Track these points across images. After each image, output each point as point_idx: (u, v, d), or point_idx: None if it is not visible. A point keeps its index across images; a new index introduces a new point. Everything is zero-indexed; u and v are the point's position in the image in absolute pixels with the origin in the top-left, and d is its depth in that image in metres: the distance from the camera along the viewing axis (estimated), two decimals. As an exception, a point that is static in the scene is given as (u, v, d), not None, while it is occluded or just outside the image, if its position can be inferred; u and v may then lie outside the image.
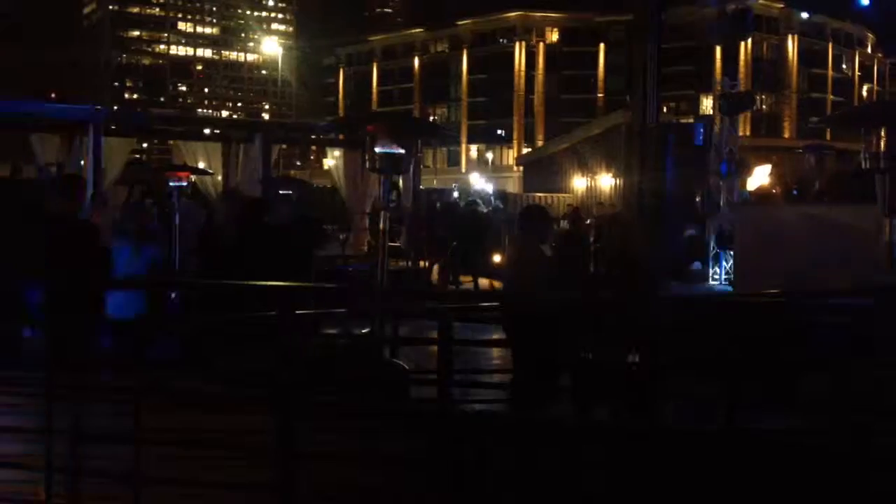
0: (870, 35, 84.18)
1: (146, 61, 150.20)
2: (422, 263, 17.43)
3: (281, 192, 14.85)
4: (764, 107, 75.04)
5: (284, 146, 20.81)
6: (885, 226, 8.58)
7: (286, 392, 4.38)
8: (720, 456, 4.65)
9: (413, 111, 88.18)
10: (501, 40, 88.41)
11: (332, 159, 17.35)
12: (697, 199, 19.34)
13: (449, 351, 4.25)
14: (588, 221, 21.33)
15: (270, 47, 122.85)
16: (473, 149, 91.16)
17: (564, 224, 22.45)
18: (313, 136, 20.78)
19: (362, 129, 8.53)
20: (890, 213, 8.50)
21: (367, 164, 7.83)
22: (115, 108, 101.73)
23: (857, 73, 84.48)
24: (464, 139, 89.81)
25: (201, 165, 14.69)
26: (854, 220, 9.29)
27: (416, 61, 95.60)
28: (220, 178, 15.26)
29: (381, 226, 7.64)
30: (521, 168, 62.84)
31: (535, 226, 7.70)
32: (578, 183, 36.00)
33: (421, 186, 18.63)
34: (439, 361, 4.28)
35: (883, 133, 8.37)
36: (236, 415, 5.20)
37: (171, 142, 16.73)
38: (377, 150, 7.19)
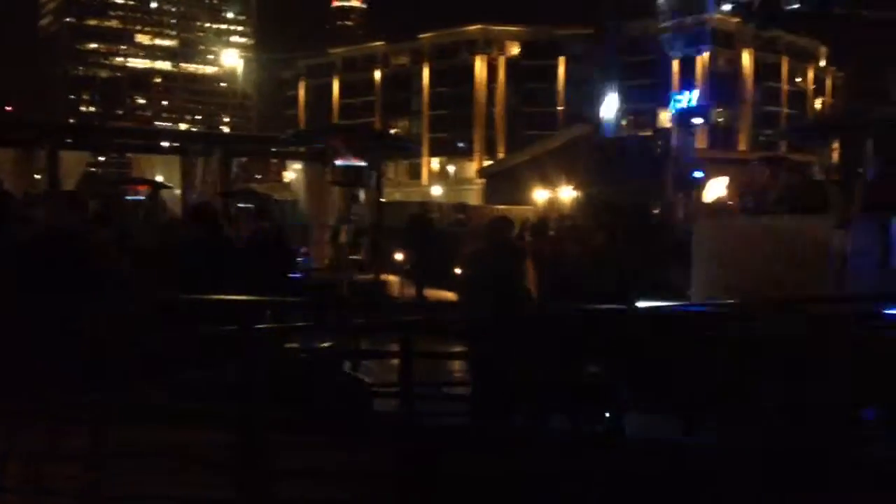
0: (823, 49, 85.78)
1: (103, 74, 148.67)
2: (386, 276, 17.42)
3: (240, 205, 14.80)
4: (720, 120, 76.05)
5: (244, 159, 20.73)
6: (837, 237, 8.75)
7: (248, 407, 4.37)
8: (678, 468, 4.72)
9: (374, 124, 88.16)
10: (463, 53, 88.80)
11: (292, 172, 17.32)
12: (656, 211, 19.60)
13: (409, 364, 4.27)
14: (551, 234, 21.45)
15: (230, 59, 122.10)
16: (435, 161, 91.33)
17: (529, 237, 22.51)
18: (273, 149, 20.73)
19: (323, 141, 8.52)
20: (842, 225, 8.68)
21: (329, 178, 7.83)
22: (72, 121, 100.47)
23: (811, 86, 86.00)
24: (425, 152, 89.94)
25: (160, 179, 14.60)
26: (807, 231, 9.45)
27: (378, 74, 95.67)
28: (178, 191, 15.18)
29: (341, 239, 7.64)
30: (483, 180, 63.05)
31: (500, 238, 7.75)
32: (540, 195, 36.24)
33: (383, 199, 18.64)
34: (400, 375, 4.30)
35: (836, 145, 8.55)
36: (198, 430, 5.16)
37: (130, 155, 16.59)
38: (338, 163, 7.21)
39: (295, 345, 8.14)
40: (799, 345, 5.27)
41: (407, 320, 5.70)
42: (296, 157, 16.71)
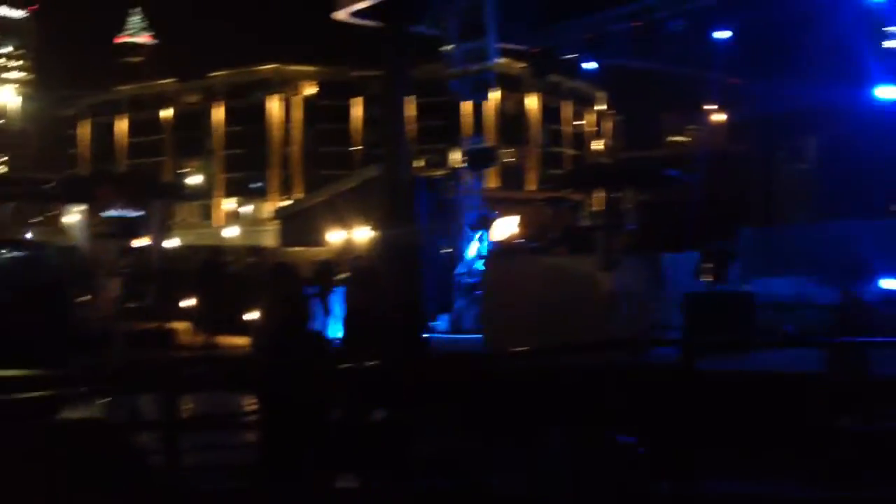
0: (601, 94, 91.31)
1: None
2: (175, 324, 16.81)
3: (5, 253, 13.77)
4: (510, 160, 79.09)
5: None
6: (604, 278, 9.26)
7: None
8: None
9: (164, 164, 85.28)
10: (257, 93, 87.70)
11: (71, 215, 16.43)
12: (447, 251, 19.98)
13: (172, 425, 4.10)
14: (343, 276, 21.43)
15: (5, 96, 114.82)
16: (230, 202, 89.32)
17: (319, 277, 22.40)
18: (40, 194, 19.54)
19: (93, 189, 8.11)
20: (606, 267, 9.19)
21: (99, 229, 7.45)
22: None
23: (591, 128, 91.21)
24: (220, 192, 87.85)
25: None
26: (581, 270, 9.97)
27: (168, 113, 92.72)
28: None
29: (111, 291, 7.28)
30: (279, 221, 62.26)
31: (284, 285, 7.62)
32: (336, 236, 36.19)
33: (177, 242, 18.04)
34: (162, 437, 4.12)
35: (603, 193, 9.07)
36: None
37: None
38: (108, 213, 6.87)
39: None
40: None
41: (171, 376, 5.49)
42: (62, 202, 15.83)
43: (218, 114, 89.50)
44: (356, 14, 19.39)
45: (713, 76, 28.93)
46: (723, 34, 18.33)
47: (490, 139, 73.12)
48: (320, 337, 8.32)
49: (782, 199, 26.21)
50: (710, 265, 13.90)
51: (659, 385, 5.54)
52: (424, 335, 13.49)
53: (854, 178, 19.52)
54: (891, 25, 15.74)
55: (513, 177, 78.70)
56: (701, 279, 15.39)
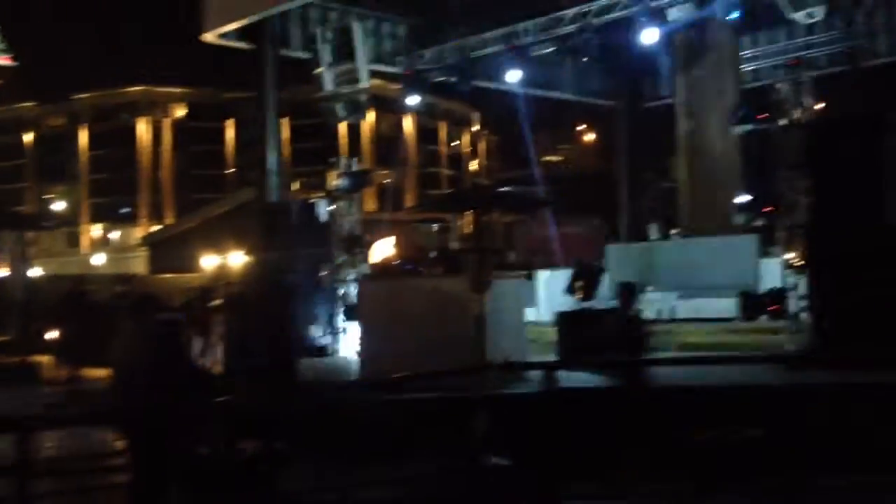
0: (476, 114, 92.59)
1: None
2: (37, 358, 16.03)
3: None
4: (387, 181, 79.20)
5: None
6: (475, 300, 9.34)
7: None
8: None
9: (27, 189, 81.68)
10: (124, 115, 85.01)
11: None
12: (324, 274, 19.79)
13: (23, 473, 3.87)
14: (216, 303, 20.93)
15: None
16: (97, 228, 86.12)
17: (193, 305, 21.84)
18: None
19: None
20: (478, 289, 9.27)
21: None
22: None
23: (466, 149, 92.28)
24: (86, 218, 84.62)
25: None
26: (454, 292, 10.03)
27: (29, 137, 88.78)
28: None
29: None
30: (148, 248, 60.46)
31: (145, 319, 7.35)
32: (209, 261, 35.36)
33: (41, 271, 17.22)
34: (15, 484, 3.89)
35: (471, 215, 9.15)
36: None
37: None
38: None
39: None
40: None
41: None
42: None
43: (83, 137, 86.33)
44: (225, 36, 19.11)
45: (583, 98, 29.84)
46: (591, 55, 18.89)
47: (366, 161, 73.18)
48: (191, 369, 8.08)
49: (649, 216, 27.16)
50: (581, 283, 14.22)
51: (526, 406, 5.59)
52: (304, 360, 13.30)
53: (716, 196, 20.36)
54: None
55: (390, 198, 78.84)
56: (573, 296, 15.73)
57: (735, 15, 16.99)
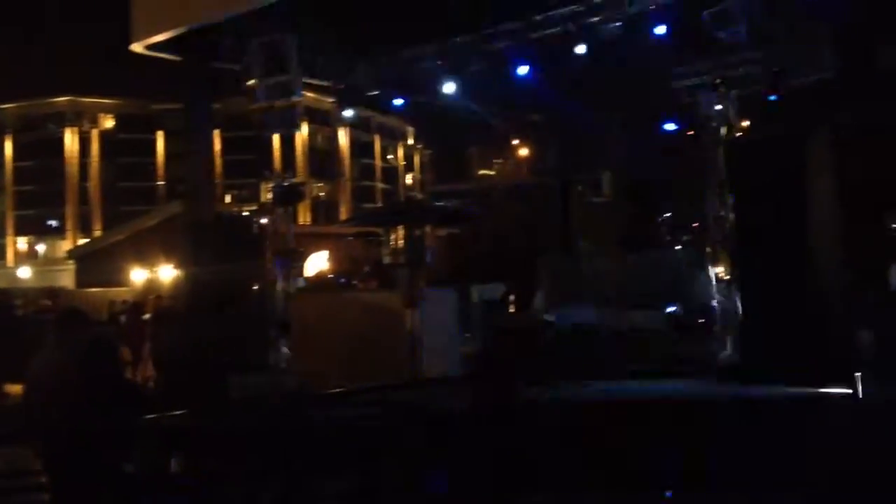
0: (410, 129, 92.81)
1: None
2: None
3: None
4: (322, 194, 78.79)
5: None
6: (407, 314, 9.34)
7: None
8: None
9: (-53, 201, 79.21)
10: (50, 126, 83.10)
11: None
12: (256, 287, 19.54)
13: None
14: (146, 316, 20.58)
15: None
16: (22, 241, 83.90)
17: (124, 319, 21.46)
18: None
19: None
20: (410, 303, 9.27)
21: None
22: None
23: (401, 162, 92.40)
24: (11, 231, 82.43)
25: None
26: (387, 306, 10.01)
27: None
28: None
29: None
30: (74, 261, 59.15)
31: (71, 335, 7.16)
32: (138, 275, 34.73)
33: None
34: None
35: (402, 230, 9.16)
36: None
37: None
38: None
39: None
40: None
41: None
42: None
43: (8, 148, 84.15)
44: (153, 47, 18.80)
45: (515, 112, 30.09)
46: (524, 70, 19.02)
47: (300, 174, 72.69)
48: (120, 385, 7.90)
49: (581, 229, 27.48)
50: (513, 296, 14.32)
51: (461, 421, 5.61)
52: (235, 375, 13.10)
53: (647, 210, 20.73)
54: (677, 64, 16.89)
55: (325, 211, 78.43)
56: (506, 310, 15.85)
57: (661, 30, 17.35)
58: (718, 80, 13.70)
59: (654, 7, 16.80)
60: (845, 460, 7.36)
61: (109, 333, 16.28)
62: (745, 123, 14.38)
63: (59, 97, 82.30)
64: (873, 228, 12.77)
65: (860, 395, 9.08)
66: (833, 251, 11.03)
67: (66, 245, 78.83)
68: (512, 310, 14.39)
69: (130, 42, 18.76)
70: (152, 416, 7.11)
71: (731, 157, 12.32)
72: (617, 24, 17.34)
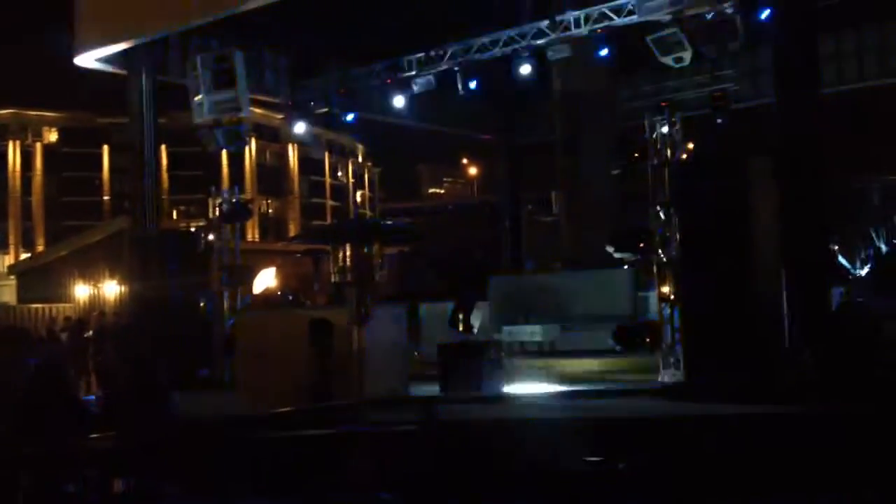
0: (360, 146, 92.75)
1: None
2: None
3: None
4: (270, 210, 78.20)
5: None
6: (355, 332, 9.32)
7: None
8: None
9: None
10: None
11: None
12: (202, 304, 19.32)
13: None
14: (89, 333, 20.23)
15: None
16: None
17: (65, 336, 21.05)
18: None
19: None
20: (358, 321, 9.26)
21: None
22: None
23: (351, 180, 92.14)
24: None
25: None
26: (335, 325, 9.98)
27: None
28: None
29: None
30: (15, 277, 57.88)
31: (11, 350, 7.02)
32: (81, 291, 34.13)
33: None
34: None
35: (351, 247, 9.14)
36: None
37: None
38: None
39: None
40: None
41: None
42: None
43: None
44: (99, 60, 18.58)
45: (464, 131, 30.27)
46: (472, 88, 19.12)
47: (248, 190, 72.12)
48: (65, 402, 7.75)
49: (530, 248, 27.66)
50: (462, 314, 14.34)
51: (408, 440, 5.60)
52: (180, 393, 12.91)
53: (594, 230, 20.92)
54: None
55: (273, 228, 77.84)
56: (455, 329, 15.85)
57: (605, 52, 17.63)
58: (665, 103, 13.93)
59: (599, 30, 17.09)
60: (783, 475, 7.50)
61: (57, 354, 15.96)
62: (690, 146, 14.64)
63: (1, 110, 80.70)
64: (815, 249, 13.06)
65: (801, 413, 9.26)
66: (775, 271, 11.27)
67: (7, 260, 77.10)
68: (461, 328, 14.41)
69: (75, 55, 18.52)
70: (96, 435, 6.98)
71: (676, 178, 12.53)
72: (563, 45, 17.58)
